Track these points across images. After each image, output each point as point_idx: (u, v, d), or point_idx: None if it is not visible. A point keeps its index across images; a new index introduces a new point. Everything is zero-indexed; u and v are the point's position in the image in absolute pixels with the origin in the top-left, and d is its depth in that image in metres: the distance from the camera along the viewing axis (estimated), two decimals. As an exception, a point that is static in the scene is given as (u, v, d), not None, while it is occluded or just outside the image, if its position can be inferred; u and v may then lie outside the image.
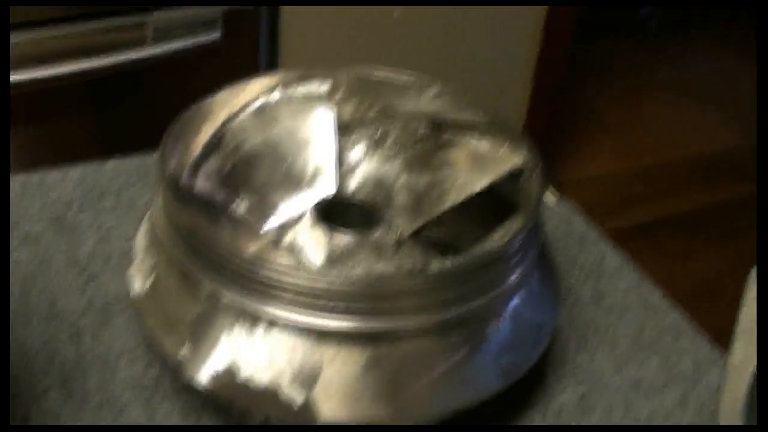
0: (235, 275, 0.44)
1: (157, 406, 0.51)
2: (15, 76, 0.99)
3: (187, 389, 0.52)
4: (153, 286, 0.48)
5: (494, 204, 0.55)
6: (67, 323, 0.56)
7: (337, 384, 0.45)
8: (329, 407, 0.44)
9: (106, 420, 0.50)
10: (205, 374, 0.45)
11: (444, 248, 0.55)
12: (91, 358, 0.54)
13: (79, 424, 0.50)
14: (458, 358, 0.46)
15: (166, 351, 0.47)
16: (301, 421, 0.45)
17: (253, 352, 0.45)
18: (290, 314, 0.44)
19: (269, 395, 0.45)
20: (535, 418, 0.53)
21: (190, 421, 0.51)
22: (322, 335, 0.44)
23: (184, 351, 0.46)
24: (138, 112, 1.04)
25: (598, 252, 0.66)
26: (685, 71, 2.48)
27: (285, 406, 0.44)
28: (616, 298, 0.62)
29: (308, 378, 0.44)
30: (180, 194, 0.47)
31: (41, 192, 0.65)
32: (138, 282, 0.49)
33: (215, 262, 0.45)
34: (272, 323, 0.45)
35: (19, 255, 0.60)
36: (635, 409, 0.54)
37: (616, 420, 0.53)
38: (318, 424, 0.45)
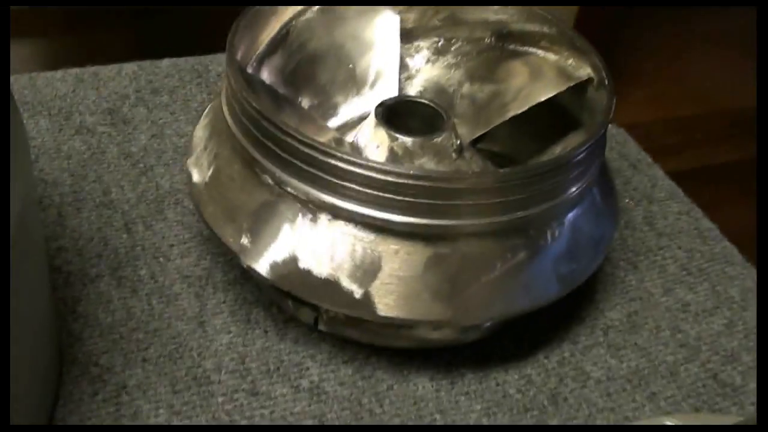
0: (301, 164, 0.44)
1: (208, 297, 0.52)
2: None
3: (239, 282, 0.52)
4: (213, 175, 0.48)
5: (555, 119, 0.55)
6: (120, 213, 0.56)
7: (396, 280, 0.44)
8: (387, 303, 0.44)
9: (157, 307, 0.50)
10: (264, 263, 0.45)
11: (503, 161, 0.55)
12: (143, 247, 0.54)
13: (130, 308, 0.50)
14: (517, 262, 0.46)
15: (226, 239, 0.46)
16: (358, 314, 0.45)
17: (315, 243, 0.45)
18: (354, 206, 0.44)
19: (328, 287, 0.44)
20: (582, 333, 0.53)
21: (240, 314, 0.51)
22: (384, 230, 0.44)
23: (245, 240, 0.46)
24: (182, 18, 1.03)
25: (650, 176, 0.65)
26: (729, 23, 2.45)
27: (343, 299, 0.44)
28: (668, 222, 0.61)
29: (368, 272, 0.44)
30: (248, 82, 0.47)
31: (95, 85, 0.65)
32: (197, 172, 0.49)
33: (281, 150, 0.44)
34: (335, 214, 0.44)
35: (72, 144, 0.60)
36: (683, 330, 0.54)
37: (664, 339, 0.53)
38: (375, 319, 0.45)
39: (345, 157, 0.43)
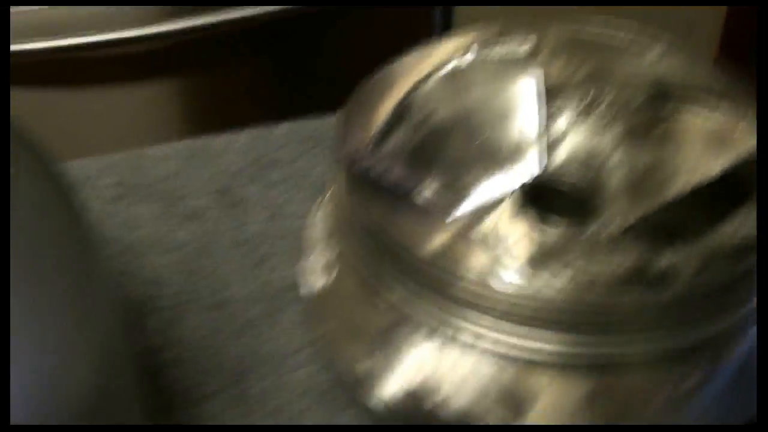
0: (425, 281, 0.37)
1: (338, 415, 0.45)
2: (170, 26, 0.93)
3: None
4: (331, 285, 0.42)
5: (723, 188, 0.46)
6: (231, 315, 0.50)
7: (546, 419, 0.37)
8: None
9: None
10: (389, 394, 0.38)
11: (659, 237, 0.47)
12: (260, 356, 0.48)
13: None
14: (688, 389, 0.38)
15: (344, 363, 0.40)
16: None
17: (448, 374, 0.38)
18: (494, 333, 0.37)
19: (468, 424, 0.37)
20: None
21: None
22: (532, 361, 0.37)
23: (362, 368, 0.39)
24: (306, 70, 0.98)
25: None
26: None
27: None
28: None
29: (516, 409, 0.37)
30: (361, 182, 0.40)
31: (205, 161, 0.59)
32: (312, 279, 0.43)
33: (401, 264, 0.38)
34: (471, 344, 0.37)
35: (181, 233, 0.54)
36: None
37: None
38: None
39: (475, 279, 0.36)
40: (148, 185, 0.58)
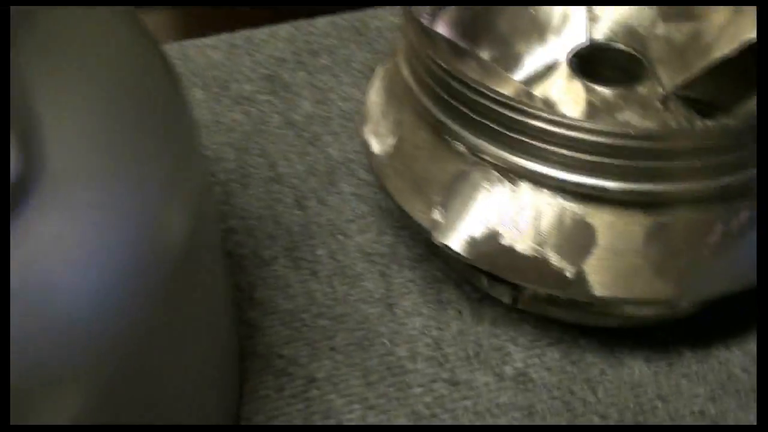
0: (497, 126, 0.39)
1: (394, 276, 0.47)
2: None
3: (426, 258, 0.48)
4: (397, 145, 0.43)
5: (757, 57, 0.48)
6: (290, 188, 0.52)
7: (613, 255, 0.39)
8: (604, 282, 0.39)
9: (340, 290, 0.46)
10: (460, 240, 0.41)
11: (704, 109, 0.49)
12: (318, 224, 0.50)
13: (312, 292, 0.46)
14: (742, 225, 0.40)
15: (415, 215, 0.42)
16: (572, 296, 0.40)
17: (517, 216, 0.40)
18: (560, 173, 0.38)
19: (535, 266, 0.39)
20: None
21: (430, 294, 0.46)
22: (597, 199, 0.39)
23: (437, 215, 0.41)
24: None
25: None
26: None
27: (553, 278, 0.39)
28: None
29: (581, 248, 0.39)
30: (429, 36, 0.42)
31: (250, 50, 0.61)
32: (377, 142, 0.45)
33: (473, 112, 0.39)
34: (539, 182, 0.39)
35: (232, 115, 0.56)
36: None
37: None
38: (591, 300, 0.40)
39: (548, 117, 0.38)
40: (194, 73, 0.59)
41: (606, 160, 0.38)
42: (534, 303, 0.44)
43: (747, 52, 0.46)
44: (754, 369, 0.44)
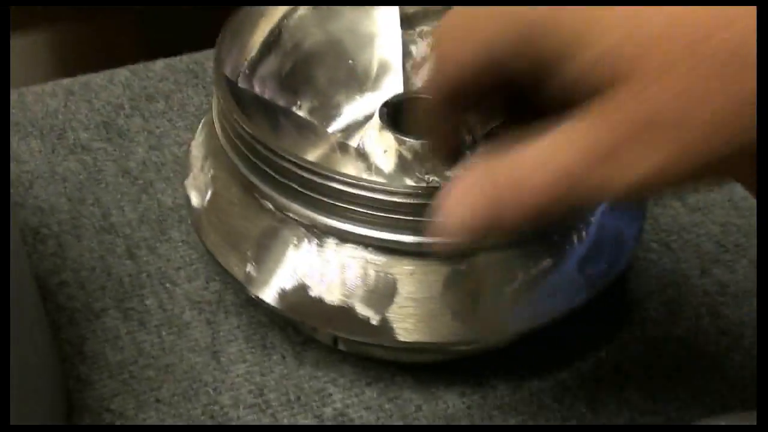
0: (302, 187, 0.41)
1: (221, 323, 0.49)
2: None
3: (252, 304, 0.50)
4: (212, 199, 0.45)
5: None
6: (122, 237, 0.53)
7: (414, 303, 0.42)
8: (406, 328, 0.42)
9: (168, 339, 0.48)
10: (272, 293, 0.43)
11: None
12: (148, 273, 0.51)
13: (140, 343, 0.48)
14: (541, 269, 0.43)
15: (230, 268, 0.44)
16: (376, 341, 0.42)
17: (323, 269, 0.42)
18: (362, 229, 0.41)
19: (342, 315, 0.42)
20: (617, 329, 0.50)
21: (255, 339, 0.48)
22: (396, 252, 0.41)
23: (250, 268, 0.43)
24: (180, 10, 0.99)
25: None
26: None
27: (359, 326, 0.42)
28: (700, 196, 0.58)
29: (383, 297, 0.41)
30: (238, 98, 0.44)
31: (87, 96, 0.62)
32: (195, 195, 0.46)
33: (279, 173, 0.41)
34: (343, 238, 0.41)
35: (68, 165, 0.57)
36: (723, 315, 0.51)
37: (703, 327, 0.50)
38: (395, 344, 0.42)
39: (346, 179, 0.40)
40: (33, 121, 0.60)
41: (399, 217, 0.40)
42: (353, 344, 0.46)
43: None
44: (564, 398, 0.47)
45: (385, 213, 0.40)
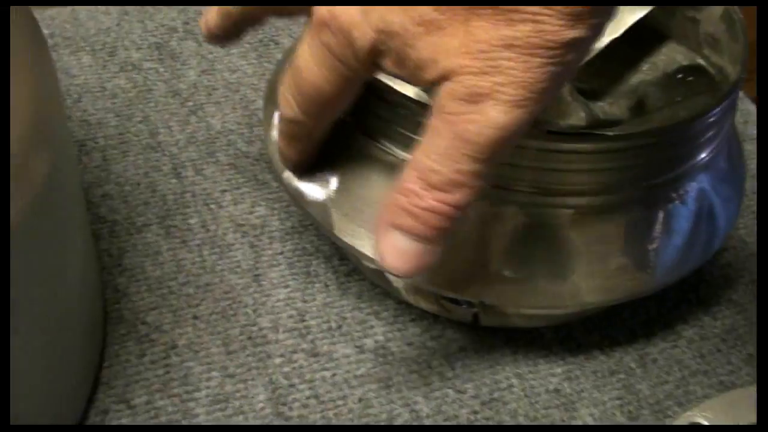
0: (385, 119, 0.39)
1: (264, 248, 0.48)
2: None
3: (297, 231, 0.48)
4: None
5: (640, 37, 0.48)
6: (168, 156, 0.52)
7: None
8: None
9: (209, 259, 0.47)
10: (346, 228, 0.40)
11: (587, 98, 0.49)
12: (193, 193, 0.50)
13: (180, 260, 0.46)
14: (636, 239, 0.41)
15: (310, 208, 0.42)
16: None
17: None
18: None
19: (483, 276, 0.40)
20: (670, 289, 0.48)
21: (298, 266, 0.47)
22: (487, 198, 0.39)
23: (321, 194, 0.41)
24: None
25: (742, 111, 0.60)
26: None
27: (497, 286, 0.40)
28: (764, 165, 0.56)
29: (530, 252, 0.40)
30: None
31: (141, 18, 0.61)
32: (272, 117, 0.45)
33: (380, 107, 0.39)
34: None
35: (117, 82, 0.56)
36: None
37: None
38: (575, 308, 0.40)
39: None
40: (84, 37, 0.59)
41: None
42: (493, 314, 0.44)
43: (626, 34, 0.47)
44: (613, 352, 0.45)
45: None
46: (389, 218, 0.34)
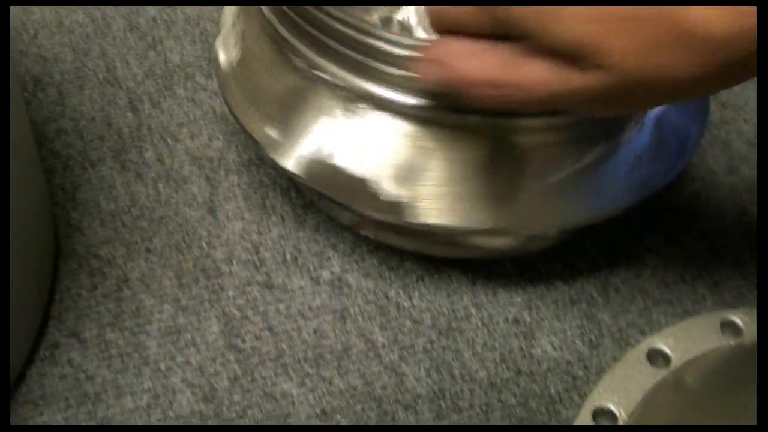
0: (339, 46, 0.38)
1: (220, 181, 0.47)
2: None
3: (254, 164, 0.47)
4: (242, 57, 0.42)
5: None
6: (125, 90, 0.51)
7: (447, 182, 0.38)
8: (436, 208, 0.38)
9: (164, 192, 0.46)
10: (294, 159, 0.39)
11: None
12: (149, 127, 0.49)
13: (135, 193, 0.46)
14: (589, 162, 0.40)
15: (251, 128, 0.41)
16: (401, 222, 0.39)
17: (353, 138, 0.39)
18: (399, 96, 0.38)
19: (368, 190, 0.39)
20: (635, 218, 0.47)
21: (255, 199, 0.46)
22: (433, 123, 0.38)
23: (271, 131, 0.40)
24: None
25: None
26: None
27: (384, 204, 0.39)
28: (733, 92, 0.55)
29: (414, 172, 0.38)
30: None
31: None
32: (223, 52, 0.44)
33: (314, 26, 0.38)
34: (378, 105, 0.38)
35: (75, 17, 0.55)
36: (749, 213, 0.48)
37: (728, 223, 0.48)
38: (421, 227, 0.39)
39: (391, 38, 0.36)
40: (42, -27, 0.58)
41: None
42: (379, 230, 0.43)
43: None
44: (574, 281, 0.45)
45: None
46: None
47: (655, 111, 0.42)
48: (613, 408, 0.38)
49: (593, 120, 0.39)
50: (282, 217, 0.45)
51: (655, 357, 0.39)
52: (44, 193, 0.43)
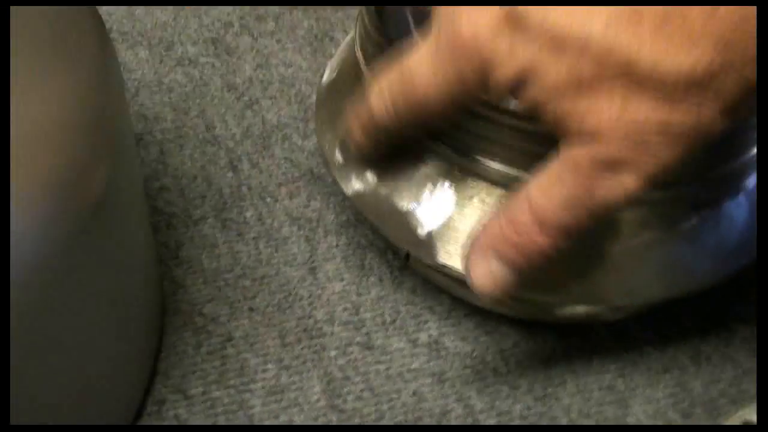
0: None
1: (319, 241, 0.48)
2: None
3: (352, 225, 0.49)
4: (335, 78, 0.44)
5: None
6: (224, 149, 0.52)
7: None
8: (448, 251, 0.39)
9: (265, 252, 0.47)
10: (350, 182, 0.41)
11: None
12: (249, 187, 0.50)
13: (236, 252, 0.47)
14: (678, 235, 0.40)
15: (321, 144, 0.43)
16: (418, 255, 0.40)
17: (460, 212, 0.40)
18: (505, 168, 0.38)
19: (400, 221, 0.40)
20: (726, 285, 0.47)
21: (353, 260, 0.47)
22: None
23: (340, 155, 0.42)
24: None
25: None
26: None
27: (408, 236, 0.40)
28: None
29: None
30: (383, 21, 0.41)
31: (197, 13, 0.61)
32: (329, 72, 0.45)
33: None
34: (462, 169, 0.39)
35: (174, 76, 0.57)
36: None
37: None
38: (430, 262, 0.40)
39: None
40: (141, 32, 0.60)
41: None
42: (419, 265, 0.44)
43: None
44: (666, 348, 0.45)
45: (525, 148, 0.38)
46: (490, 244, 0.34)
47: (751, 182, 0.42)
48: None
49: (686, 192, 0.40)
50: (380, 278, 0.46)
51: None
52: (153, 249, 0.44)
